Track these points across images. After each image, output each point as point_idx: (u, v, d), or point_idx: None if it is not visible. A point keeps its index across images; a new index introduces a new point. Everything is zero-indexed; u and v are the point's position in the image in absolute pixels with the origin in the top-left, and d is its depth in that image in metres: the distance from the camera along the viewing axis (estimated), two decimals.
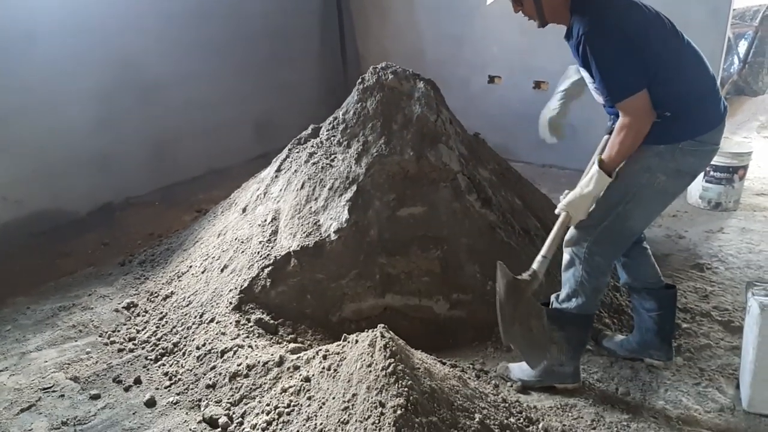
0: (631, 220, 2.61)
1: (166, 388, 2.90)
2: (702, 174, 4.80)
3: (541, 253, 2.64)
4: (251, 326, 3.07)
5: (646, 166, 2.54)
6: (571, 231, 2.70)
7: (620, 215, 2.59)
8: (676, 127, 2.49)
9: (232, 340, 2.97)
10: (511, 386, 2.87)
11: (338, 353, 2.53)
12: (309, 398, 2.44)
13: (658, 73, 2.42)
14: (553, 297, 2.83)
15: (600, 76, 2.43)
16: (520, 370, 2.90)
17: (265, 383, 2.67)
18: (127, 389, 2.91)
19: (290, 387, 2.54)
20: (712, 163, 4.70)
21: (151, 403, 2.79)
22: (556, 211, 2.64)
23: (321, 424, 2.29)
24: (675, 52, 2.50)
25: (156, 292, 3.65)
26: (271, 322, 3.12)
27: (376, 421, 2.14)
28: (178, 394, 2.83)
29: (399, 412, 2.13)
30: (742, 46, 8.15)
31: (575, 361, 2.81)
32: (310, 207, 3.40)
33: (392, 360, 2.27)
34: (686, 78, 2.51)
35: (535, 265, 2.62)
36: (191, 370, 2.93)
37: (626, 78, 2.40)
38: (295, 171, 3.64)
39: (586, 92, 2.85)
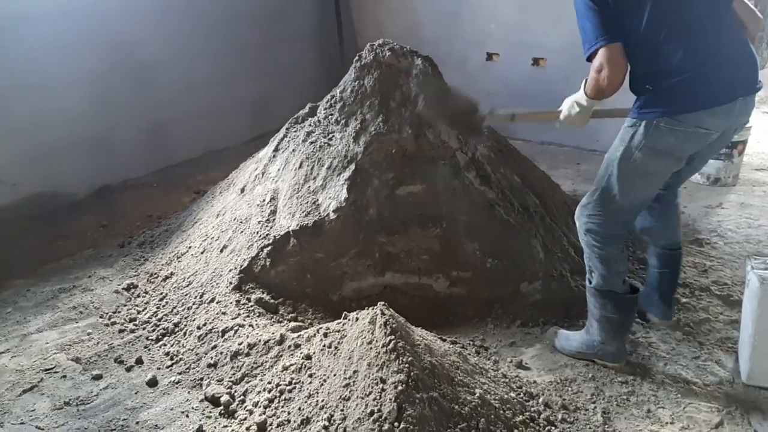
0: (618, 194, 2.57)
1: (167, 367, 2.91)
2: None
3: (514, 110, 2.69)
4: (251, 306, 3.07)
5: (622, 139, 2.53)
6: (578, 206, 2.76)
7: (605, 188, 2.60)
8: (653, 103, 2.43)
9: (232, 319, 2.98)
10: (511, 362, 2.88)
11: (339, 331, 2.54)
12: (310, 376, 2.46)
13: (639, 41, 2.37)
14: (586, 280, 2.84)
15: (579, 24, 2.42)
16: (566, 340, 2.95)
17: (266, 362, 2.69)
18: (128, 369, 2.92)
19: (291, 365, 2.55)
20: None
21: (153, 383, 2.80)
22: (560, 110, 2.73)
23: (322, 401, 2.30)
24: (671, 20, 2.35)
25: (156, 273, 3.65)
26: (272, 301, 3.13)
27: (378, 397, 2.16)
28: (179, 374, 2.84)
29: (400, 387, 2.14)
30: None
31: (617, 342, 2.80)
32: (309, 186, 3.39)
33: (392, 337, 2.27)
34: (671, 51, 2.36)
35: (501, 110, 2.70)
36: (192, 350, 2.94)
37: (593, 32, 2.35)
38: (293, 150, 3.63)
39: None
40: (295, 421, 2.32)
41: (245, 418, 2.47)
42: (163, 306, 3.32)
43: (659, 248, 3.02)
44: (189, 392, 2.73)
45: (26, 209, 4.51)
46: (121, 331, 3.20)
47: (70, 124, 4.73)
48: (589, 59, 2.40)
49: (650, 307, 3.10)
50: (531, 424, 2.41)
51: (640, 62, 2.42)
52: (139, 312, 3.34)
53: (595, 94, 2.45)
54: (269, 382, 2.55)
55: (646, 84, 2.43)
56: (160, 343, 3.09)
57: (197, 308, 3.17)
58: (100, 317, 3.33)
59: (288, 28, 6.62)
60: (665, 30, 2.34)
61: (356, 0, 7.07)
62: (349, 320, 2.56)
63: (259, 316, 3.02)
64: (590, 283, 2.78)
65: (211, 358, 2.84)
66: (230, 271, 3.24)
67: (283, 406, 2.42)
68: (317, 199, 3.34)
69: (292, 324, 2.93)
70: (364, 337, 2.35)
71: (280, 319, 3.04)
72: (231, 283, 3.17)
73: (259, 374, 2.66)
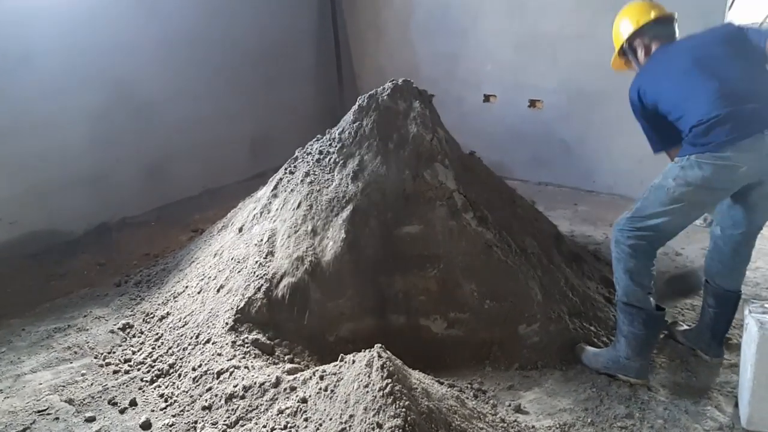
0: (652, 218, 2.82)
1: (161, 410, 2.87)
2: None
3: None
4: (247, 347, 3.05)
5: (664, 173, 2.84)
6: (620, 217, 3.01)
7: (639, 208, 2.88)
8: (688, 144, 2.75)
9: (228, 360, 2.95)
10: (509, 406, 2.85)
11: (335, 374, 2.52)
12: (306, 419, 2.43)
13: (669, 111, 2.85)
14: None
15: None
16: (593, 356, 3.11)
17: (261, 404, 2.65)
18: (122, 411, 2.88)
19: (287, 408, 2.52)
20: None
21: (146, 426, 2.76)
22: None
23: None
24: (692, 81, 2.78)
25: (152, 313, 3.63)
26: (268, 342, 3.10)
27: None
28: (173, 416, 2.80)
29: None
30: None
31: (641, 358, 2.96)
32: (307, 226, 3.40)
33: (389, 380, 2.26)
34: (696, 108, 2.71)
35: None
36: (187, 392, 2.91)
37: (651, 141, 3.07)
38: (292, 190, 3.64)
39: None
40: None
41: None
42: (159, 347, 3.29)
43: (721, 289, 3.13)
44: None
45: (24, 247, 4.51)
46: (115, 372, 3.17)
47: (69, 161, 4.76)
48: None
49: (700, 344, 3.24)
50: None
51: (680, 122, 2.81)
52: (134, 352, 3.32)
53: None
54: (264, 426, 2.51)
55: (681, 132, 2.82)
56: (155, 384, 3.05)
57: (193, 349, 3.15)
58: (95, 358, 3.30)
59: (288, 67, 6.71)
60: (692, 95, 2.76)
61: (356, 41, 7.19)
62: (345, 362, 2.54)
63: (255, 358, 2.99)
64: (617, 296, 2.99)
65: (206, 400, 2.81)
66: (226, 311, 3.22)
67: None
68: (315, 240, 3.34)
69: (288, 366, 2.90)
70: (361, 380, 2.33)
71: (276, 361, 3.01)
72: (227, 323, 3.15)
73: (254, 417, 2.62)
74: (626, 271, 2.89)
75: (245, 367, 2.89)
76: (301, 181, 3.62)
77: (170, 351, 3.22)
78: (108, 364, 3.24)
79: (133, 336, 3.47)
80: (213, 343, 3.09)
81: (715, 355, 3.18)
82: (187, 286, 3.71)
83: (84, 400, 2.96)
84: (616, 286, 3.00)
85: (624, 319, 2.94)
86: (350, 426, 2.24)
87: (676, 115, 2.81)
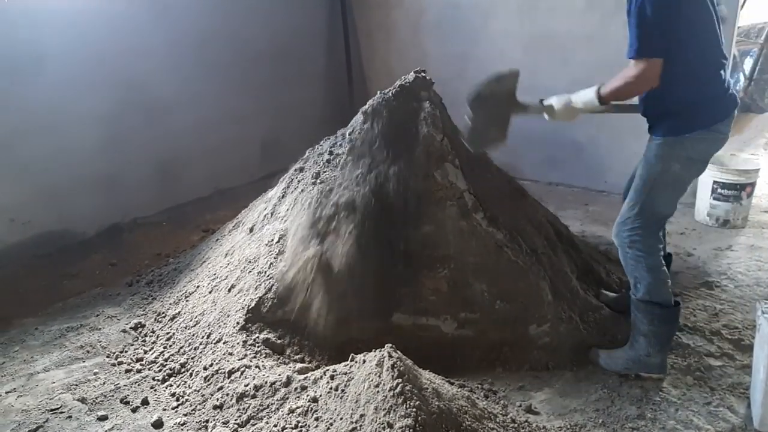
0: (658, 206, 2.88)
1: (173, 409, 2.89)
2: (709, 192, 4.80)
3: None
4: (258, 346, 3.07)
5: (660, 156, 2.82)
6: (615, 223, 3.01)
7: (646, 203, 2.86)
8: (686, 121, 2.76)
9: (239, 360, 2.97)
10: (520, 406, 2.85)
11: (346, 373, 2.52)
12: (316, 419, 2.43)
13: (688, 71, 2.70)
14: (631, 294, 3.03)
15: (631, 26, 2.62)
16: (611, 358, 3.10)
17: (272, 404, 2.67)
18: (134, 410, 2.90)
19: (298, 408, 2.53)
20: (720, 180, 4.71)
21: (158, 425, 2.78)
22: (544, 102, 3.05)
23: None
24: (704, 48, 2.73)
25: (163, 313, 3.65)
26: (279, 341, 3.12)
27: None
28: (185, 415, 2.82)
29: None
30: (748, 64, 8.16)
31: (662, 354, 2.99)
32: (317, 226, 3.40)
33: (400, 380, 2.26)
34: (713, 79, 2.77)
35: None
36: (198, 391, 2.93)
37: (650, 39, 2.59)
38: (302, 191, 3.65)
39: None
40: None
41: None
42: (170, 346, 3.31)
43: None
44: None
45: (37, 247, 4.55)
46: (127, 371, 3.19)
47: (81, 163, 4.80)
48: (628, 56, 2.65)
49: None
50: None
51: (681, 87, 2.72)
52: (146, 352, 3.34)
53: (617, 96, 2.76)
54: (275, 425, 2.52)
55: (683, 105, 2.76)
56: (167, 383, 3.07)
57: (204, 348, 3.16)
58: (107, 357, 3.32)
59: (298, 68, 6.72)
60: (710, 63, 2.75)
61: (366, 42, 7.19)
62: (356, 362, 2.55)
63: (265, 357, 3.01)
64: (635, 295, 2.98)
65: (217, 399, 2.82)
66: (237, 311, 3.24)
67: None
68: (325, 240, 3.34)
69: (299, 365, 2.91)
70: (371, 380, 2.33)
71: (287, 360, 3.02)
72: (238, 323, 3.16)
73: (265, 417, 2.63)
74: (649, 269, 2.90)
75: (256, 367, 2.90)
76: (312, 181, 3.63)
77: (182, 350, 3.24)
78: (120, 363, 3.26)
79: (145, 335, 3.49)
80: (224, 343, 3.11)
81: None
82: (198, 286, 3.72)
83: (96, 398, 2.98)
84: (635, 287, 2.97)
85: (643, 319, 2.95)
86: (361, 425, 2.24)
87: (688, 56, 2.67)
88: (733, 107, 2.84)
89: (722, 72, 2.79)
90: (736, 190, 4.72)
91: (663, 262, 2.95)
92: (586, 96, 2.87)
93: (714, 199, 4.83)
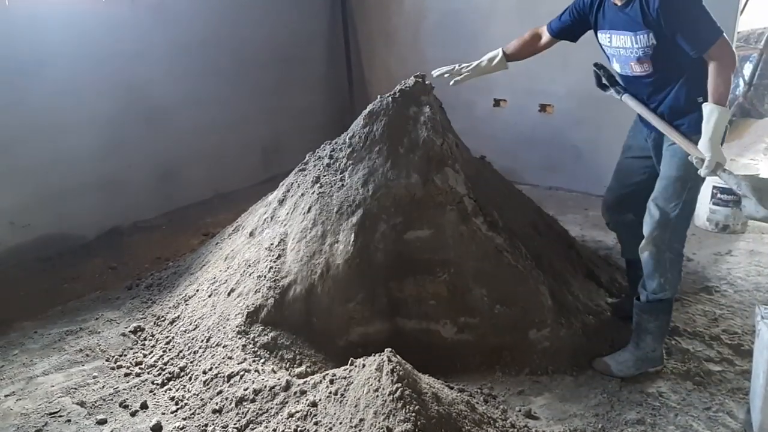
0: (694, 203, 2.96)
1: (172, 413, 2.88)
2: (709, 197, 4.81)
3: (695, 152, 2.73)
4: (258, 350, 3.06)
5: (681, 166, 2.84)
6: (651, 228, 2.93)
7: (686, 201, 2.90)
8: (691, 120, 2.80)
9: (238, 364, 2.96)
10: (519, 411, 2.85)
11: (345, 378, 2.52)
12: (316, 423, 2.43)
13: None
14: (640, 291, 3.06)
15: (691, 24, 2.63)
16: (621, 364, 3.11)
17: (271, 408, 2.66)
18: (133, 414, 2.89)
19: (297, 412, 2.53)
20: (719, 185, 4.71)
21: (157, 428, 2.77)
22: (704, 160, 2.65)
23: None
24: None
25: (163, 316, 3.65)
26: (278, 345, 3.11)
27: None
28: (184, 419, 2.81)
29: None
30: (747, 69, 8.16)
31: (662, 345, 3.12)
32: (317, 230, 3.40)
33: (399, 384, 2.26)
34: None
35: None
36: (198, 395, 2.92)
37: (713, 23, 2.62)
38: (302, 195, 3.65)
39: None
40: None
41: None
42: (170, 350, 3.31)
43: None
44: None
45: (37, 250, 4.54)
46: (126, 374, 3.19)
47: (81, 166, 4.79)
48: (702, 52, 2.65)
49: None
50: None
51: (703, 81, 2.70)
52: (145, 355, 3.33)
53: (728, 86, 2.66)
54: (274, 430, 2.52)
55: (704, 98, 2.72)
56: (166, 387, 3.07)
57: (203, 352, 3.16)
58: (107, 360, 3.32)
59: (298, 73, 6.73)
60: None
61: (366, 46, 7.20)
62: (355, 367, 2.55)
63: (265, 361, 3.00)
64: (647, 297, 3.01)
65: (216, 403, 2.82)
66: (237, 315, 3.23)
67: None
68: (325, 244, 3.35)
69: (298, 369, 2.91)
70: (371, 385, 2.33)
71: (287, 365, 3.02)
72: (238, 327, 3.16)
73: (264, 421, 2.63)
74: (679, 272, 3.01)
75: (255, 371, 2.90)
76: (312, 185, 3.63)
77: (181, 354, 3.23)
78: (119, 366, 3.25)
79: (145, 339, 3.49)
80: (224, 347, 3.10)
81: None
82: (198, 290, 3.72)
83: (95, 402, 2.98)
84: (661, 289, 2.96)
85: (649, 318, 3.02)
86: (360, 430, 2.24)
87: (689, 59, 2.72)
88: None
89: None
90: (736, 195, 4.72)
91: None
92: (712, 128, 2.65)
93: (714, 204, 4.84)
